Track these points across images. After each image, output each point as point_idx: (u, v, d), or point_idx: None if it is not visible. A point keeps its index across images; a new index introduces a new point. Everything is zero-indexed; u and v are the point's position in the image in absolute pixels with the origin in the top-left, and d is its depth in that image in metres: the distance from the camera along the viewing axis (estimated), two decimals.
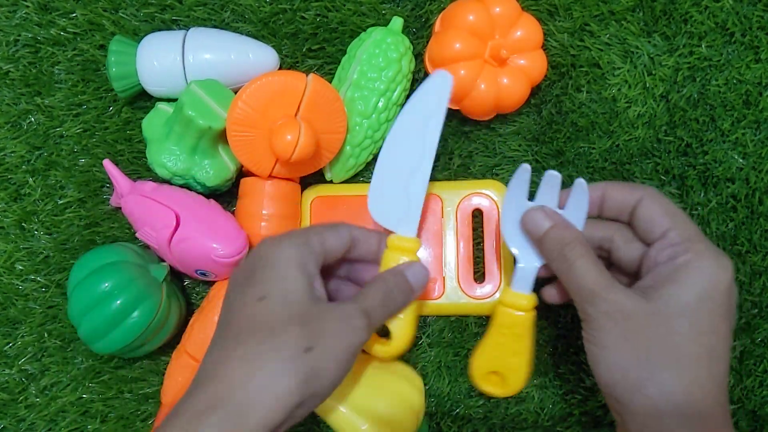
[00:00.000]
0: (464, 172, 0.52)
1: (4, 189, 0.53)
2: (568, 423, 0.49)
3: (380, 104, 0.48)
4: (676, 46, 0.51)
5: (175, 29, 0.52)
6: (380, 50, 0.48)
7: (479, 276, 0.50)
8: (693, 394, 0.35)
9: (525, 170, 0.42)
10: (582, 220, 0.41)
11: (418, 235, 0.41)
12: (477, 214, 0.50)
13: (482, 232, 0.50)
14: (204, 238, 0.47)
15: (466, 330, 0.51)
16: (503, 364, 0.43)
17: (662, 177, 0.51)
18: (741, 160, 0.50)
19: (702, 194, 0.50)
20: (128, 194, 0.49)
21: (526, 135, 0.52)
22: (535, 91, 0.51)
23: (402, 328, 0.41)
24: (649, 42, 0.51)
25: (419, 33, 0.52)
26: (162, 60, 0.48)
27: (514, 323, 0.42)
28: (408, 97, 0.48)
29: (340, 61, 0.52)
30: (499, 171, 0.52)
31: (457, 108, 0.49)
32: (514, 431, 0.50)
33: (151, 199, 0.48)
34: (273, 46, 0.52)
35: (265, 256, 0.36)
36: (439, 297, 0.49)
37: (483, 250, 0.50)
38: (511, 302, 0.42)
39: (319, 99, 0.46)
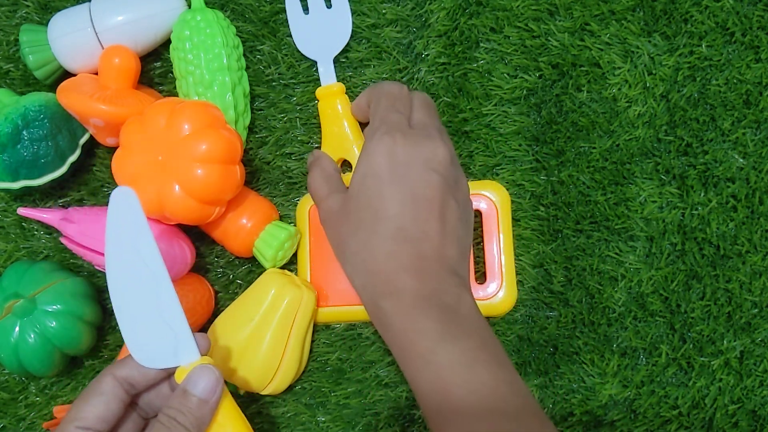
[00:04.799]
0: (465, 172, 0.52)
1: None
2: (569, 423, 0.49)
3: (224, 61, 0.49)
4: (676, 46, 0.51)
5: None
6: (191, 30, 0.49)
7: (480, 276, 0.50)
8: (389, 257, 0.39)
9: None
10: None
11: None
12: (476, 214, 0.50)
13: (482, 231, 0.50)
14: None
15: None
16: (346, 149, 0.50)
17: (662, 177, 0.51)
18: (741, 160, 0.50)
19: (702, 194, 0.50)
20: (62, 230, 0.48)
21: (526, 135, 0.52)
22: (535, 90, 0.51)
23: None
24: (650, 42, 0.51)
25: (419, 33, 0.52)
26: (75, 36, 0.48)
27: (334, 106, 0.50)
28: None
29: (338, 61, 0.52)
30: (499, 171, 0.52)
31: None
32: None
33: (82, 247, 0.47)
34: (273, 46, 0.52)
35: None
36: None
37: (483, 250, 0.50)
38: (326, 92, 0.50)
39: None
